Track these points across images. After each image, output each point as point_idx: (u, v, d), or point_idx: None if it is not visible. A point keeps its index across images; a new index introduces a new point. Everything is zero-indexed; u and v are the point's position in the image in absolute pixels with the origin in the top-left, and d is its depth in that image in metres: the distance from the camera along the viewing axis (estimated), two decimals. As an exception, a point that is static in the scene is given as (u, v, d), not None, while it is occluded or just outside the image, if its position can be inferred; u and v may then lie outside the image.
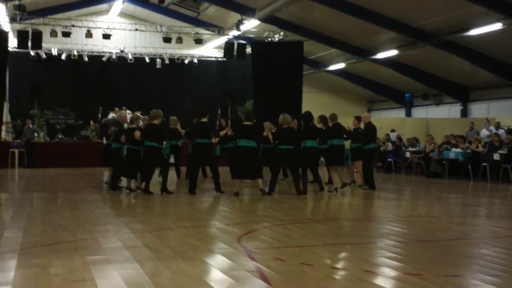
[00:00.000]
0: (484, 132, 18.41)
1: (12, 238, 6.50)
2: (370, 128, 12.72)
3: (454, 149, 17.06)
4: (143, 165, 11.38)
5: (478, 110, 24.50)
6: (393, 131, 21.77)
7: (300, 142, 11.65)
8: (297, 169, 11.60)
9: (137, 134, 11.33)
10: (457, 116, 25.28)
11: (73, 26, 21.55)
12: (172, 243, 6.26)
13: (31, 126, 20.43)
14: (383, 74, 26.48)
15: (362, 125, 13.10)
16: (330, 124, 12.48)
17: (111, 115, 21.87)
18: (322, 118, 12.82)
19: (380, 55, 23.14)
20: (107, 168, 13.40)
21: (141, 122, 13.25)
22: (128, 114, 22.14)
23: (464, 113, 25.10)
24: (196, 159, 11.64)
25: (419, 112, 28.29)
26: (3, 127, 21.36)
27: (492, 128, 18.36)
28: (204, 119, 11.46)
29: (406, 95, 28.10)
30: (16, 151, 19.40)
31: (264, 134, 12.09)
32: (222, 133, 12.70)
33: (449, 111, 26.42)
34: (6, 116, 22.78)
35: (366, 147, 12.62)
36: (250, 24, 22.55)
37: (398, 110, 29.58)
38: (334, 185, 12.05)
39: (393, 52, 22.43)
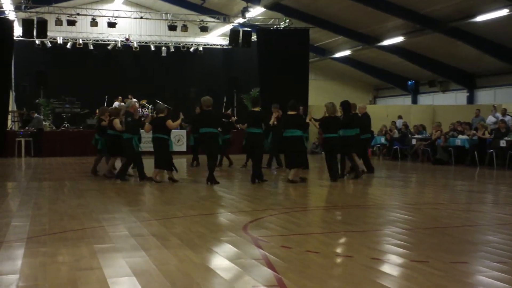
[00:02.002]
0: (490, 119, 18.30)
1: (20, 227, 6.54)
2: (367, 118, 13.21)
3: (460, 136, 16.98)
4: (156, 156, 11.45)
5: (485, 96, 24.38)
6: (400, 117, 21.69)
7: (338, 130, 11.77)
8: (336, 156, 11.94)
9: (147, 127, 11.42)
10: (463, 103, 25.17)
11: (78, 14, 21.52)
12: (179, 231, 6.28)
13: (36, 115, 20.48)
14: (390, 61, 26.35)
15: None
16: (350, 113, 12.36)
17: (116, 103, 21.92)
18: (345, 106, 12.33)
19: (387, 42, 23.02)
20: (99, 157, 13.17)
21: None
22: (135, 102, 22.24)
23: (471, 100, 24.97)
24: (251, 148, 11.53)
25: (425, 99, 28.17)
26: (9, 116, 21.44)
27: (499, 114, 18.25)
28: (257, 109, 11.35)
29: (409, 82, 27.98)
30: (23, 140, 19.47)
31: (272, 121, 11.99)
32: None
33: (456, 98, 26.30)
34: (12, 105, 22.86)
35: (364, 137, 12.74)
36: (256, 12, 22.45)
37: (405, 97, 29.47)
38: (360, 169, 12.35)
39: (399, 39, 22.31)
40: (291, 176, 11.24)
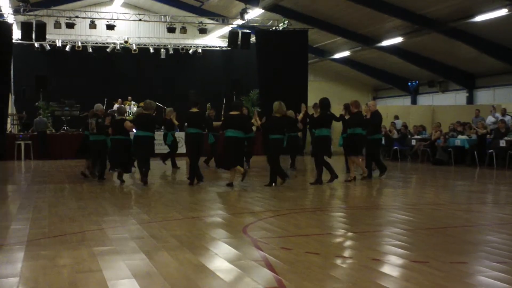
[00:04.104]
0: (490, 119, 18.31)
1: (20, 230, 6.54)
2: (377, 117, 12.41)
3: (460, 136, 16.99)
4: (136, 155, 11.44)
5: (484, 97, 24.39)
6: (396, 118, 21.66)
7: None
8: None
9: (128, 124, 11.45)
10: (463, 103, 25.17)
11: (77, 17, 21.53)
12: (178, 233, 6.27)
13: (40, 117, 20.48)
14: (389, 62, 26.37)
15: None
16: (352, 112, 12.08)
17: (116, 106, 21.94)
18: (346, 106, 12.26)
19: (385, 43, 23.03)
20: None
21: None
22: (133, 104, 22.28)
23: (470, 100, 24.98)
24: (191, 149, 11.44)
25: (425, 100, 28.18)
26: (9, 120, 21.44)
27: (498, 114, 18.26)
28: (194, 109, 11.36)
29: (409, 83, 27.97)
30: (22, 143, 19.46)
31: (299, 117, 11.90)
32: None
33: (455, 98, 26.31)
34: (12, 108, 22.85)
35: (374, 137, 12.41)
36: (254, 13, 22.45)
37: (404, 98, 29.48)
38: (364, 173, 12.28)
39: (398, 40, 22.32)
40: (230, 179, 10.94)
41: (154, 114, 11.81)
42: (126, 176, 12.20)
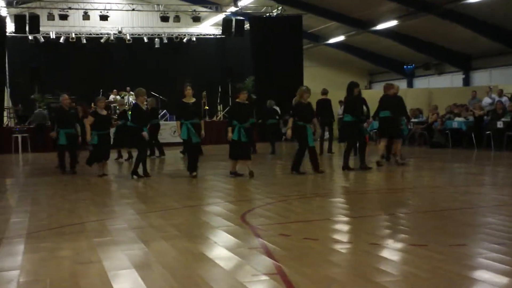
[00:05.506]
0: (486, 100, 18.30)
1: (19, 223, 6.54)
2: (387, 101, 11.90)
3: (457, 119, 16.99)
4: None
5: (481, 78, 24.36)
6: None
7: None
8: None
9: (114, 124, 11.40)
10: (459, 85, 25.14)
11: (70, 8, 21.41)
12: (177, 222, 6.28)
13: (40, 110, 20.38)
14: (384, 46, 26.27)
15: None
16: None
17: (112, 97, 21.87)
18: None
19: (380, 26, 22.93)
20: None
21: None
22: (131, 95, 22.19)
23: (467, 82, 24.96)
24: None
25: (421, 83, 28.15)
26: (5, 113, 21.37)
27: (495, 96, 18.24)
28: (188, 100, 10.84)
29: (405, 66, 27.87)
30: (20, 136, 19.41)
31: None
32: None
33: (451, 80, 26.28)
34: (8, 102, 22.77)
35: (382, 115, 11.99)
36: (248, 0, 22.31)
37: (400, 81, 29.39)
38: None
39: (393, 23, 22.22)
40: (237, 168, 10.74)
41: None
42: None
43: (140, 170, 10.84)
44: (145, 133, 10.67)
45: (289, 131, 10.84)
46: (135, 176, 10.71)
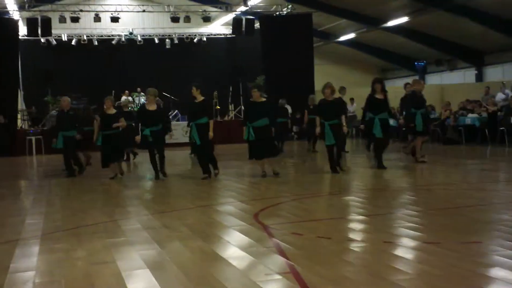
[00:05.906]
0: (500, 96, 18.13)
1: (34, 224, 6.59)
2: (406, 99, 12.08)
3: (470, 115, 16.86)
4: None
5: (493, 73, 24.16)
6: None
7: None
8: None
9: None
10: (472, 81, 24.96)
11: (81, 11, 21.55)
12: (190, 222, 6.30)
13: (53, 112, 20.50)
14: (395, 42, 26.16)
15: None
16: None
17: (123, 98, 21.98)
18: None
19: (391, 23, 22.83)
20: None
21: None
22: (142, 96, 22.28)
23: (479, 77, 24.76)
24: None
25: (433, 79, 27.98)
26: (19, 115, 21.56)
27: (508, 91, 18.07)
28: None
29: (416, 63, 27.69)
30: (33, 138, 19.57)
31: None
32: None
33: (464, 76, 26.09)
34: (21, 104, 22.98)
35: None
36: (257, -1, 22.33)
37: (412, 78, 29.20)
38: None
39: (404, 19, 22.11)
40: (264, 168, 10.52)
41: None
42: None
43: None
44: (138, 137, 10.41)
45: (317, 129, 10.74)
46: (164, 177, 10.57)
